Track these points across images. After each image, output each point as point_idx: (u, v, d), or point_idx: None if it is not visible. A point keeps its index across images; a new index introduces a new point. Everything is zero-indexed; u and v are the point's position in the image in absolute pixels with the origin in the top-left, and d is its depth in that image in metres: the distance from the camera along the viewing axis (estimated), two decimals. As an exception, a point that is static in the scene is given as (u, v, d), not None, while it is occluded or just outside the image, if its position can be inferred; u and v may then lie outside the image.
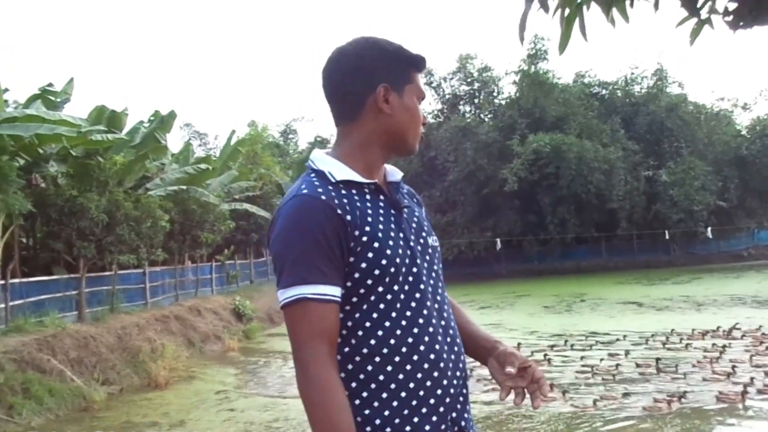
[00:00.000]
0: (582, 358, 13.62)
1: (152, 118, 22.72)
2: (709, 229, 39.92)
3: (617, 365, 12.55)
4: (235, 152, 30.60)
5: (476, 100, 46.40)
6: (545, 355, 13.91)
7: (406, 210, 1.70)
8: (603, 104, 44.82)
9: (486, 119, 45.21)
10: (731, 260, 41.66)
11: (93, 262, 17.14)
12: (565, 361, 13.65)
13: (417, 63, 1.70)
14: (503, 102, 45.57)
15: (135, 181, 20.14)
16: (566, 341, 15.62)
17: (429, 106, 46.59)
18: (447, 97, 46.42)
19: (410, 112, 1.68)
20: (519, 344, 15.27)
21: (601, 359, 13.38)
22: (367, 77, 1.65)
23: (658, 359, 12.55)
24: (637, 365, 12.60)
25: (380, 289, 1.57)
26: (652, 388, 11.12)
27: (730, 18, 2.73)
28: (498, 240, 39.27)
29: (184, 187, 21.04)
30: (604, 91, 46.70)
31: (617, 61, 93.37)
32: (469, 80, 45.92)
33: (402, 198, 1.73)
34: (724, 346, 13.54)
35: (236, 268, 28.04)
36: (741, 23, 2.73)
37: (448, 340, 1.66)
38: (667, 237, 40.08)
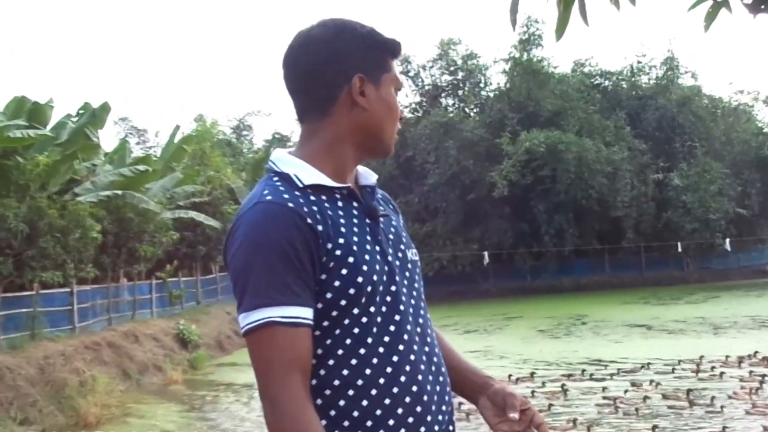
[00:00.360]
0: (604, 389, 13.68)
1: (81, 112, 22.53)
2: (728, 240, 40.42)
3: (645, 398, 12.60)
4: (180, 151, 30.41)
5: (460, 92, 46.62)
6: (563, 385, 13.92)
7: (382, 219, 1.70)
8: (606, 97, 45.29)
9: (471, 114, 45.44)
10: (753, 276, 42.20)
11: (10, 280, 16.92)
12: (585, 393, 13.72)
13: (393, 49, 1.70)
14: (491, 94, 45.84)
15: (61, 185, 19.92)
16: (584, 371, 15.72)
17: (406, 98, 46.72)
18: (426, 88, 46.61)
19: (388, 105, 1.68)
20: (533, 373, 15.35)
21: (626, 390, 13.48)
22: (340, 66, 1.64)
23: (689, 390, 12.63)
24: (664, 397, 12.67)
25: (355, 311, 1.55)
26: (685, 424, 11.20)
27: (749, 0, 2.78)
28: (485, 253, 39.41)
29: (120, 192, 20.88)
30: (607, 83, 47.21)
31: (622, 49, 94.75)
32: (451, 69, 46.13)
33: (377, 204, 1.73)
34: (764, 375, 13.54)
35: (180, 286, 27.82)
36: (762, 6, 2.78)
37: (433, 369, 1.65)
38: (679, 249, 40.50)
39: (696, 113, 43.90)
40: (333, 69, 1.64)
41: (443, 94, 46.92)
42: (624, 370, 15.82)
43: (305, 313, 1.51)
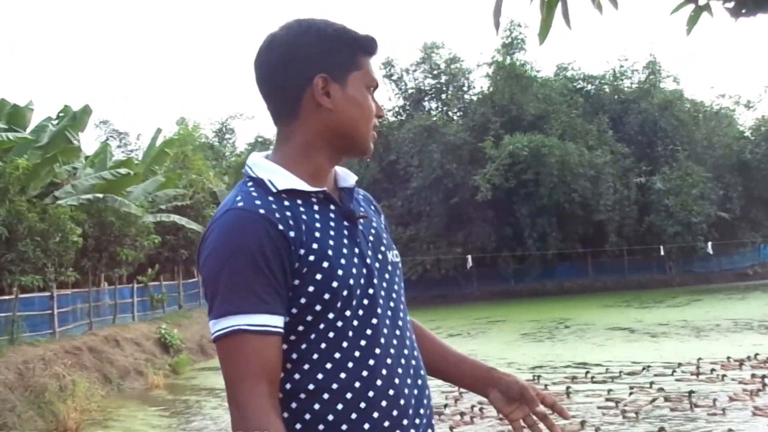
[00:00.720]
0: (609, 391, 13.72)
1: (62, 115, 22.46)
2: (710, 243, 40.73)
3: (653, 400, 12.64)
4: (162, 155, 30.32)
5: (443, 96, 46.76)
6: (567, 388, 13.93)
7: (362, 221, 1.69)
8: (588, 101, 45.54)
9: (455, 117, 45.57)
10: (734, 279, 42.55)
11: (-11, 284, 16.79)
12: (588, 396, 13.74)
13: (364, 45, 1.68)
14: (474, 98, 46.01)
15: (41, 188, 19.83)
16: (587, 372, 15.74)
17: (389, 102, 46.89)
18: (410, 92, 46.71)
19: (358, 104, 1.66)
20: (538, 377, 15.34)
21: (631, 392, 13.51)
22: (302, 68, 1.63)
23: (691, 392, 12.68)
24: (666, 399, 12.70)
25: (330, 315, 1.55)
26: (693, 426, 11.22)
27: (731, 4, 2.80)
28: (469, 257, 39.51)
29: (101, 196, 20.80)
30: (589, 86, 47.47)
31: (605, 53, 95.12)
32: (435, 73, 46.26)
33: (357, 206, 1.72)
34: (764, 377, 13.56)
35: (162, 290, 27.71)
36: (743, 10, 2.80)
37: (411, 372, 1.65)
38: (662, 253, 40.79)
39: (678, 117, 44.25)
40: (295, 71, 1.63)
41: (426, 98, 47.04)
42: (625, 372, 15.81)
43: (275, 321, 1.51)
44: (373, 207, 1.82)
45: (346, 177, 1.74)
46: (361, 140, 1.68)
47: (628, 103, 45.61)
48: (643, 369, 15.79)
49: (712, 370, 14.93)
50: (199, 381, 19.79)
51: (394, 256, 1.74)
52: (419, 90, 46.69)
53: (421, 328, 1.89)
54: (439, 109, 46.71)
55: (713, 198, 41.79)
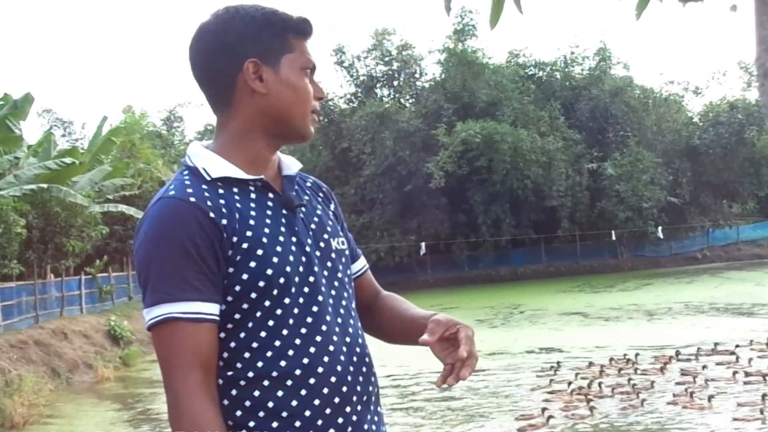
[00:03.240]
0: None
1: (2, 103, 21.93)
2: (660, 228, 41.49)
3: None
4: (108, 143, 29.85)
5: (395, 83, 46.81)
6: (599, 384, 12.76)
7: (303, 209, 1.70)
8: (540, 88, 45.99)
9: (407, 104, 45.67)
10: (684, 263, 43.44)
11: (-70, 277, 16.43)
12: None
13: (296, 27, 1.66)
14: (426, 85, 46.14)
15: (-18, 178, 19.43)
16: (614, 358, 14.80)
17: (341, 89, 46.84)
18: (361, 78, 46.66)
19: (292, 87, 1.64)
20: (557, 365, 14.59)
21: (631, 379, 12.75)
22: (232, 54, 1.62)
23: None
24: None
25: (267, 303, 1.57)
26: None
27: (679, -10, 2.84)
28: (423, 244, 39.70)
29: (45, 186, 20.44)
30: (541, 73, 47.92)
31: (556, 39, 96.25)
32: (386, 59, 46.24)
33: (300, 194, 1.73)
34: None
35: (110, 281, 27.38)
36: (691, -4, 2.84)
37: (354, 359, 1.66)
38: (613, 238, 41.46)
39: (628, 103, 44.87)
40: (225, 57, 1.62)
41: (378, 85, 47.04)
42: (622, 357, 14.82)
43: (208, 309, 1.52)
44: (321, 194, 1.83)
45: (290, 165, 1.74)
46: (299, 123, 1.67)
47: (579, 89, 46.13)
48: (637, 354, 14.60)
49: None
50: (151, 373, 19.58)
51: (339, 243, 1.75)
52: (371, 77, 46.65)
53: (393, 299, 1.91)
54: (392, 96, 46.74)
55: (663, 183, 42.50)
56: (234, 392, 1.56)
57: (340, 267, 1.72)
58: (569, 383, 12.75)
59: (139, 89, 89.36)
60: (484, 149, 39.53)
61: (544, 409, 10.98)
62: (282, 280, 1.57)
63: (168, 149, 47.29)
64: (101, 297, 26.16)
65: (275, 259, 1.58)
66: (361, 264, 1.90)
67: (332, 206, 1.83)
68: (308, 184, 1.80)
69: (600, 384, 12.59)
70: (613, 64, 47.64)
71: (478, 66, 43.40)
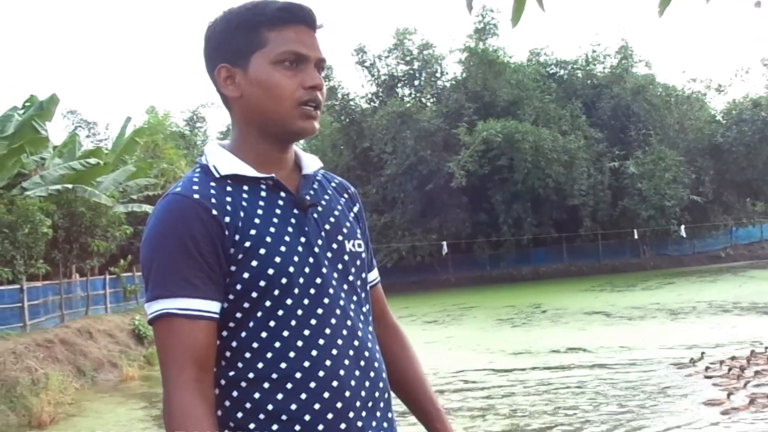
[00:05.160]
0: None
1: (28, 104, 22.14)
2: (683, 227, 41.14)
3: None
4: (132, 144, 30.01)
5: (417, 82, 46.73)
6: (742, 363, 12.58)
7: (319, 208, 1.67)
8: (561, 86, 45.73)
9: (428, 104, 45.57)
10: (707, 262, 43.06)
11: (-43, 277, 16.61)
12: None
13: (271, 18, 1.59)
14: (448, 84, 46.04)
15: (8, 179, 19.60)
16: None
17: (362, 88, 46.87)
18: (382, 78, 46.63)
19: (259, 84, 1.59)
20: (702, 353, 14.02)
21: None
22: (212, 61, 1.65)
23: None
24: None
25: (268, 303, 1.55)
26: None
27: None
28: (444, 243, 39.61)
29: (70, 186, 20.58)
30: (562, 72, 47.66)
31: (577, 38, 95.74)
32: (407, 59, 46.19)
33: (320, 193, 1.70)
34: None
35: (135, 281, 27.53)
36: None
37: (362, 364, 1.62)
38: (635, 237, 41.16)
39: (650, 101, 44.55)
40: (208, 65, 1.66)
41: (399, 84, 47.00)
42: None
43: (207, 306, 1.52)
44: (346, 196, 1.80)
45: (310, 163, 1.72)
46: (278, 120, 1.61)
47: (601, 88, 45.85)
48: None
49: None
50: (174, 372, 19.71)
51: (354, 245, 1.71)
52: (392, 76, 46.62)
53: (403, 341, 1.88)
54: (413, 96, 46.68)
55: (686, 182, 42.17)
56: (235, 393, 1.55)
57: (353, 270, 1.69)
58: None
59: (162, 90, 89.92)
60: (506, 148, 39.40)
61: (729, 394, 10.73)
62: (284, 281, 1.56)
63: (191, 149, 47.53)
64: (125, 296, 26.32)
65: (278, 259, 1.56)
66: (373, 276, 1.84)
67: (355, 209, 1.81)
68: (333, 185, 1.78)
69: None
70: (635, 62, 47.33)
71: (499, 65, 43.26)
